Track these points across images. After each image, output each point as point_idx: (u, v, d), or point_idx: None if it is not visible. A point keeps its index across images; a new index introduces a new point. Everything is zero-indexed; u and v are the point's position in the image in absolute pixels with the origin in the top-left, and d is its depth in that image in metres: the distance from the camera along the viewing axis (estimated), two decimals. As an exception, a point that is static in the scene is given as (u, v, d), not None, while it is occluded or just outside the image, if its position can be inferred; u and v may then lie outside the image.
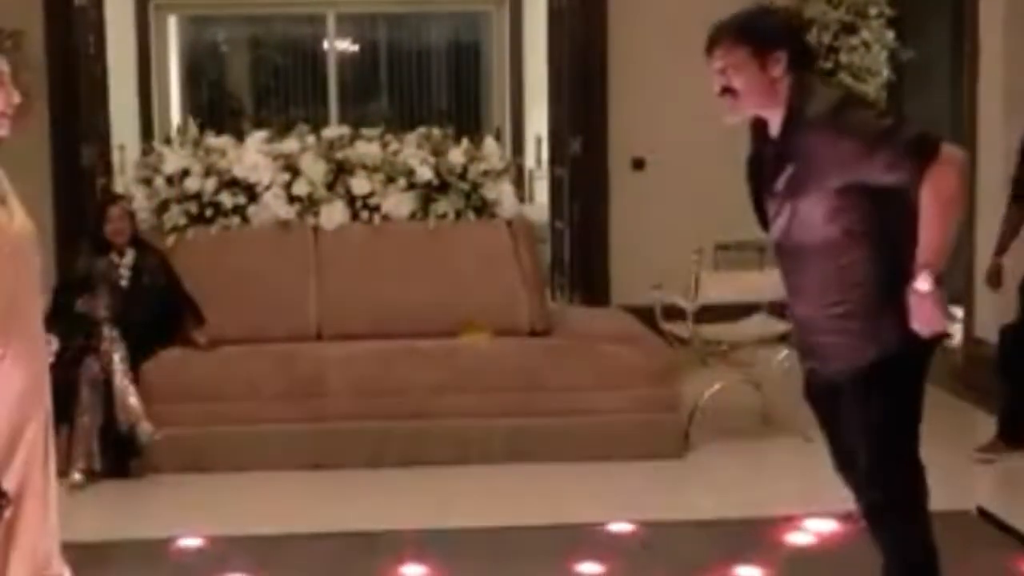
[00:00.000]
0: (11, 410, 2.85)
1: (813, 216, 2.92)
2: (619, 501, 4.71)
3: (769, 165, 3.02)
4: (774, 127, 3.00)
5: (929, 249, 2.81)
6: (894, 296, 2.87)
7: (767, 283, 5.84)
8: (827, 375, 3.10)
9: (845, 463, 3.23)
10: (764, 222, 3.14)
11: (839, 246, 2.92)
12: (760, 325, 6.00)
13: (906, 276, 2.82)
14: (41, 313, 3.02)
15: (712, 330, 5.73)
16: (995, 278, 5.48)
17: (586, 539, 4.19)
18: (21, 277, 2.88)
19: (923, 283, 2.79)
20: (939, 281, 2.82)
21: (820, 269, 2.97)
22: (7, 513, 2.82)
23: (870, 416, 3.03)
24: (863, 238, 2.90)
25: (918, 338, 2.89)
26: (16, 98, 2.92)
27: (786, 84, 2.94)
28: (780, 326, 5.93)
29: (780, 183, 2.97)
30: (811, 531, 4.34)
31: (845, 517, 4.49)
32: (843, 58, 7.39)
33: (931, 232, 2.81)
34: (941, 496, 4.77)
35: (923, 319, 2.83)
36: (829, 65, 7.40)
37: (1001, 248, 5.43)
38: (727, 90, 2.97)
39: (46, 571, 3.01)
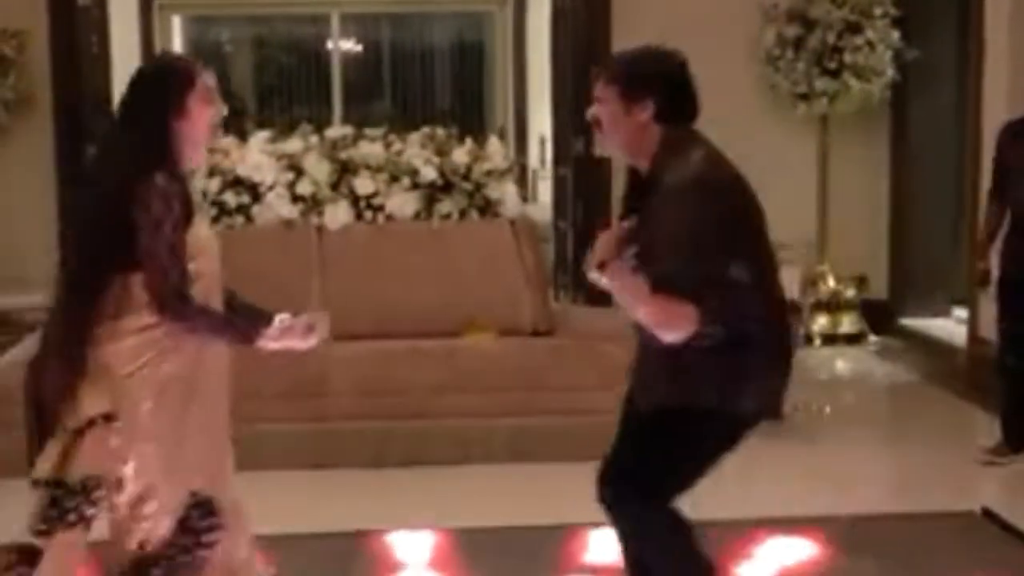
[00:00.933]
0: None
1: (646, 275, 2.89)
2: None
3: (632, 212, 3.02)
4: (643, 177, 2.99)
5: (643, 290, 2.79)
6: (721, 354, 2.85)
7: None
8: (641, 404, 3.07)
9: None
10: None
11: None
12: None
13: (735, 339, 2.82)
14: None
15: (715, 330, 5.72)
16: (985, 279, 5.46)
17: (588, 539, 4.19)
18: (212, 289, 3.05)
19: (597, 274, 2.87)
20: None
21: None
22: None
23: (654, 452, 3.01)
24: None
25: (735, 404, 2.92)
26: (224, 111, 2.98)
27: (655, 133, 2.92)
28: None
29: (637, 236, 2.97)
30: (812, 532, 4.33)
31: (846, 521, 4.50)
32: (847, 58, 7.38)
33: (657, 300, 2.79)
34: (945, 497, 4.80)
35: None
36: (834, 65, 7.40)
37: (983, 250, 5.40)
38: (595, 120, 2.99)
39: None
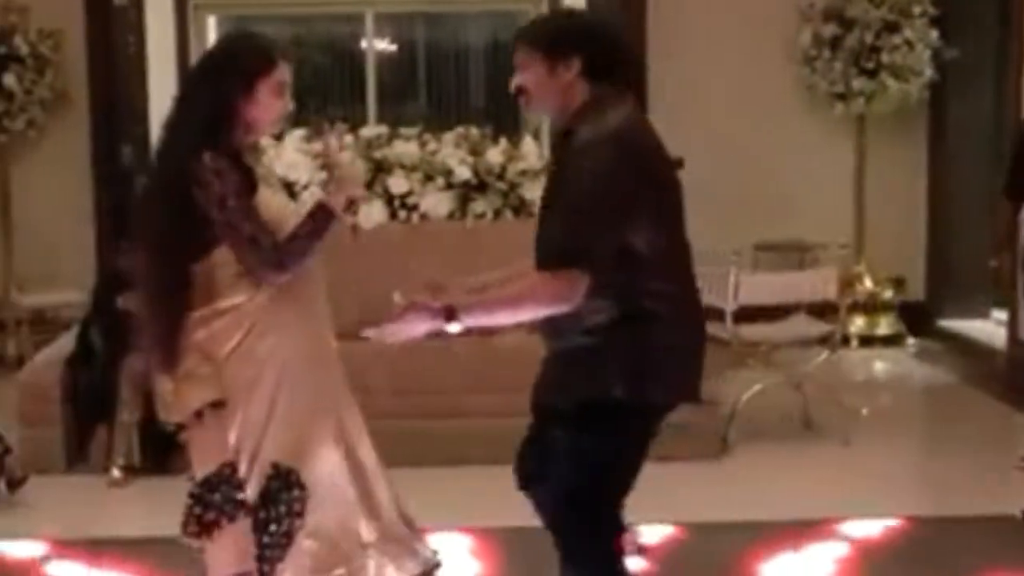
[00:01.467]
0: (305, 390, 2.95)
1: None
2: (655, 502, 4.65)
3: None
4: None
5: (487, 302, 2.83)
6: (620, 336, 2.72)
7: (806, 284, 5.79)
8: (546, 404, 2.92)
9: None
10: None
11: None
12: (800, 326, 5.95)
13: (634, 317, 2.69)
14: (323, 296, 3.13)
15: (751, 331, 5.69)
16: (1005, 280, 5.40)
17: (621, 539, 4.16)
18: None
19: (455, 327, 2.79)
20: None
21: None
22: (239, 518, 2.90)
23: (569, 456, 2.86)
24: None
25: (646, 390, 2.73)
26: (291, 106, 2.97)
27: (583, 93, 2.78)
28: (820, 327, 5.88)
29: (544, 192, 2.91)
30: (849, 535, 4.29)
31: (883, 524, 4.46)
32: (885, 58, 7.32)
33: (503, 300, 2.82)
34: (984, 501, 4.74)
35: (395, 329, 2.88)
36: (871, 65, 7.34)
37: (999, 247, 5.33)
38: (520, 89, 2.86)
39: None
